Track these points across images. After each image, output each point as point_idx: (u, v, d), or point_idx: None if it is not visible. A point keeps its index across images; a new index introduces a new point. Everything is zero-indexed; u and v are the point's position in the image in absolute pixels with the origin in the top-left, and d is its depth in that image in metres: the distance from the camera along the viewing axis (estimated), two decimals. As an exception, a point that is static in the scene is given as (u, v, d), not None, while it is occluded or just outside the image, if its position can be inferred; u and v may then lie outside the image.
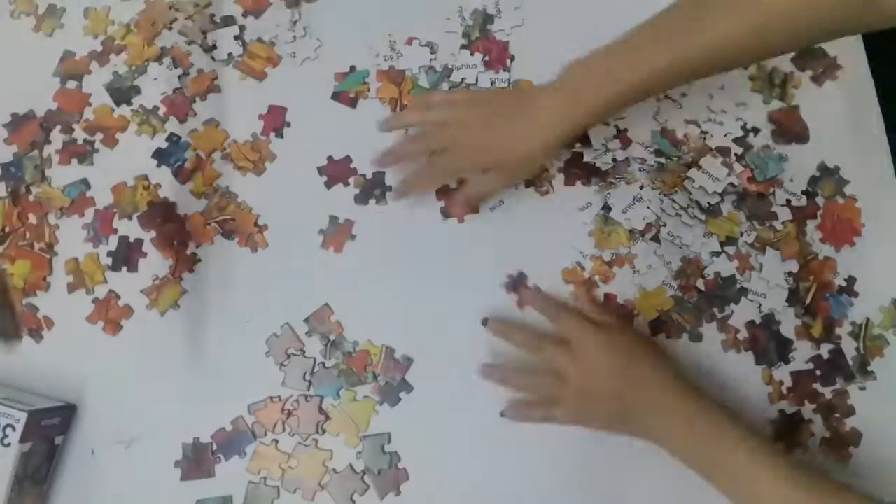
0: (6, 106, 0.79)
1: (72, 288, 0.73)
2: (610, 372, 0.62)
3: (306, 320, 0.70)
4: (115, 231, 0.74)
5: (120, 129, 0.77)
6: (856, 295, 0.68)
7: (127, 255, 0.73)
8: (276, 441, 0.68)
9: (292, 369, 0.69)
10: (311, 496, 0.66)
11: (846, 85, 0.74)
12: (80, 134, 0.77)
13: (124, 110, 0.78)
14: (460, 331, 0.69)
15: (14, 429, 0.63)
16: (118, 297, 0.72)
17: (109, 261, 0.73)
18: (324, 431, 0.67)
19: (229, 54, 0.79)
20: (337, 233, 0.72)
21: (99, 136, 0.77)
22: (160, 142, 0.76)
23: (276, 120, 0.76)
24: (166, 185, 0.75)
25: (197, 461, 0.68)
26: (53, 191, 0.76)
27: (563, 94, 0.65)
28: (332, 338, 0.70)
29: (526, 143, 0.66)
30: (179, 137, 0.76)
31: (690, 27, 0.60)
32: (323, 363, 0.69)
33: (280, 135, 0.76)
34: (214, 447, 0.68)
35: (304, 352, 0.69)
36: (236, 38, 0.79)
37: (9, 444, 0.62)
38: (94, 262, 0.73)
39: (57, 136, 0.78)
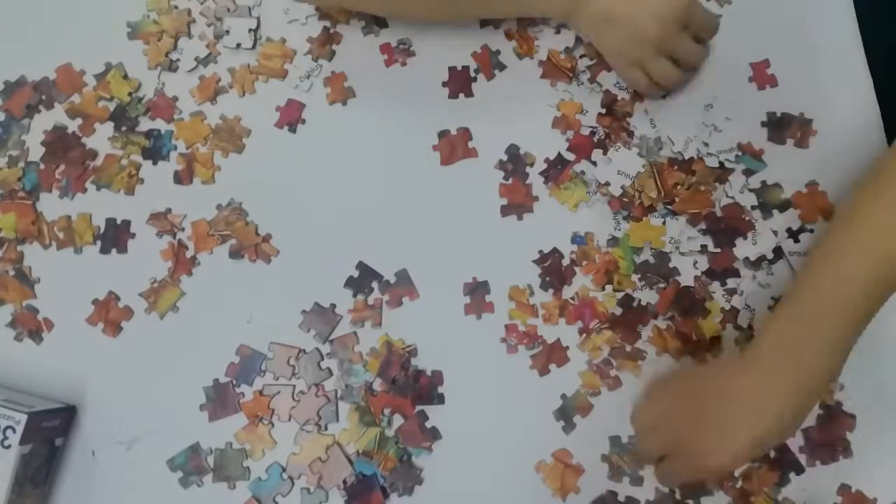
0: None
1: (61, 245, 0.73)
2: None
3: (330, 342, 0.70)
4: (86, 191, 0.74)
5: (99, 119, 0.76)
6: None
7: (115, 237, 0.73)
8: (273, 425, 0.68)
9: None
10: (317, 481, 0.66)
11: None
12: (59, 115, 0.76)
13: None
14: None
15: (14, 430, 0.62)
16: (118, 298, 0.72)
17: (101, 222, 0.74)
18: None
19: (238, 44, 0.77)
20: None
21: (78, 121, 0.76)
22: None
23: (291, 114, 0.76)
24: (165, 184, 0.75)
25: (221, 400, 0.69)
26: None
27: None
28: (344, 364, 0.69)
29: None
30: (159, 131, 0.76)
31: None
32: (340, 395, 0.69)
33: (293, 130, 0.76)
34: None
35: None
36: (251, 31, 0.77)
37: (9, 446, 0.62)
38: (86, 221, 0.74)
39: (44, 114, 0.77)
